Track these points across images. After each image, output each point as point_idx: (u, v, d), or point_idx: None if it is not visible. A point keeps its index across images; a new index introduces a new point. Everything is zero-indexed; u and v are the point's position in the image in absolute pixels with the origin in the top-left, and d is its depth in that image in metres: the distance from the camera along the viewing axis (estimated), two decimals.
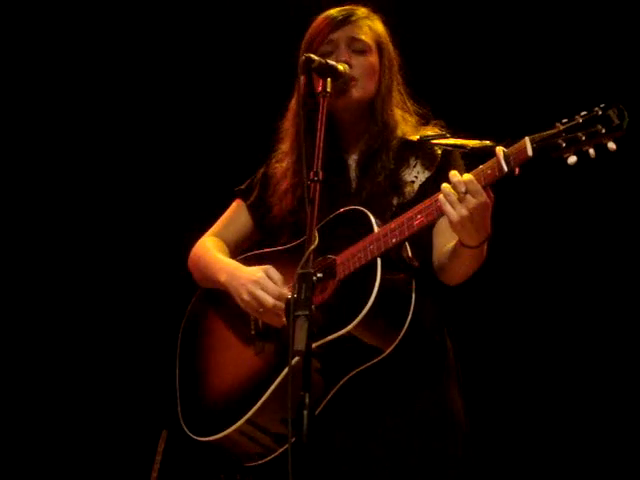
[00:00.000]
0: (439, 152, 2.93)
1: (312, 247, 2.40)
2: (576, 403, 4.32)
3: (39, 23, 4.66)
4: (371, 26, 2.97)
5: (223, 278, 2.94)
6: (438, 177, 2.85)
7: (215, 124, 4.73)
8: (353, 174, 2.97)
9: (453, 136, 2.90)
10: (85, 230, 4.81)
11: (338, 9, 2.98)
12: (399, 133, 2.95)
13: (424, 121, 3.01)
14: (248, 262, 2.97)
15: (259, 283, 2.81)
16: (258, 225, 3.13)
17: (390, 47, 3.00)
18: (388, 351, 2.66)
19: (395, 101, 2.98)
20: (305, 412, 2.22)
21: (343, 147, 3.00)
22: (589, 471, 4.27)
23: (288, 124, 3.05)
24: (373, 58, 2.94)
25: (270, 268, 2.86)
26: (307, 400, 2.24)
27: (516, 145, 2.48)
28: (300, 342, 2.25)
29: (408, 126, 2.98)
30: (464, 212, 2.52)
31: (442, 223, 2.75)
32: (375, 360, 2.67)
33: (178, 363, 3.09)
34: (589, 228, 4.29)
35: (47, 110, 4.74)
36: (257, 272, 2.85)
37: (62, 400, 4.72)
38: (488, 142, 2.70)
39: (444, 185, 2.56)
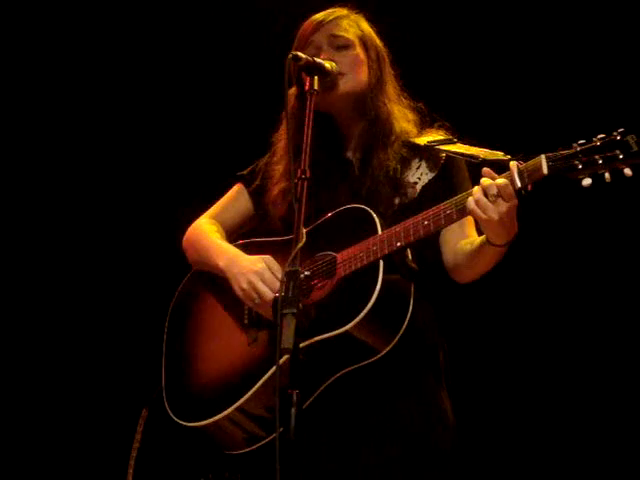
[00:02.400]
0: (443, 155, 2.93)
1: (300, 245, 2.41)
2: (569, 405, 4.35)
3: (33, 20, 4.66)
4: (351, 23, 2.99)
5: (222, 263, 2.92)
6: (441, 179, 2.89)
7: (210, 110, 4.72)
8: (356, 171, 2.97)
9: (460, 141, 2.91)
10: (78, 212, 4.81)
11: (322, 12, 3.01)
12: (398, 129, 2.95)
13: (427, 119, 3.01)
14: (248, 249, 2.96)
15: (260, 274, 2.80)
16: (259, 212, 3.12)
17: (376, 42, 3.02)
18: (383, 353, 2.67)
19: (389, 94, 2.98)
20: (293, 410, 2.24)
21: (345, 145, 3.01)
22: (582, 470, 4.30)
23: (284, 124, 3.03)
24: (357, 51, 2.95)
25: (270, 259, 2.85)
26: (295, 398, 2.25)
27: (531, 162, 2.48)
28: (288, 340, 2.26)
29: (410, 125, 2.99)
30: (495, 217, 2.52)
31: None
32: (369, 360, 2.68)
33: (165, 343, 3.08)
34: (584, 231, 4.31)
35: (40, 104, 4.74)
36: (258, 262, 2.83)
37: (43, 382, 4.73)
38: (500, 153, 2.70)
39: (475, 188, 2.55)
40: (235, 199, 3.17)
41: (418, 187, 2.90)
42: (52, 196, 4.81)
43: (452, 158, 2.90)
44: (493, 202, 2.51)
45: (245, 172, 3.18)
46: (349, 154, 3.01)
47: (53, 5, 4.62)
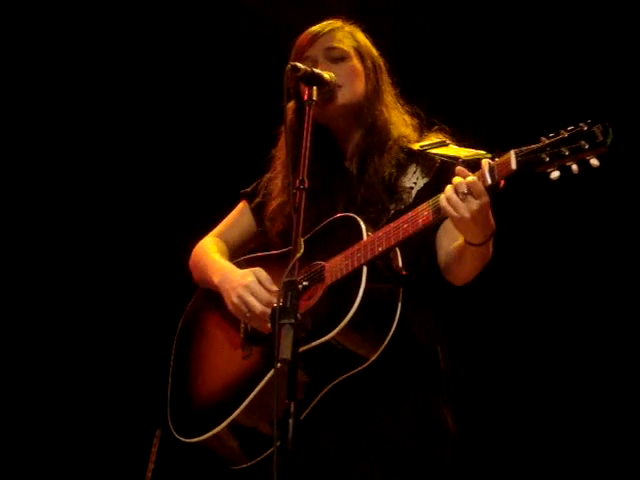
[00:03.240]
0: (438, 160, 2.91)
1: (298, 255, 2.39)
2: (568, 411, 4.31)
3: (31, 20, 4.65)
4: (346, 34, 2.99)
5: (217, 279, 2.93)
6: (435, 184, 2.84)
7: (217, 126, 4.73)
8: (354, 180, 2.96)
9: (457, 144, 2.88)
10: (88, 231, 4.81)
11: (318, 25, 3.01)
12: (395, 134, 2.95)
13: (425, 123, 3.00)
14: (251, 264, 2.95)
15: (249, 288, 2.79)
16: (260, 228, 3.12)
17: (372, 52, 3.02)
18: (371, 360, 2.64)
19: (387, 102, 2.98)
20: (290, 420, 2.21)
21: (344, 155, 3.01)
22: (580, 476, 4.28)
23: (282, 138, 3.04)
24: (353, 62, 2.95)
25: (259, 270, 2.85)
26: (292, 409, 2.22)
27: (502, 158, 2.47)
28: (286, 350, 2.24)
29: (409, 130, 2.99)
30: (466, 215, 2.50)
31: (447, 223, 2.76)
32: (359, 368, 2.66)
33: (172, 363, 3.08)
34: (578, 231, 4.29)
35: (44, 113, 4.74)
36: (248, 276, 2.83)
37: (57, 399, 4.71)
38: (482, 152, 2.69)
39: (447, 187, 2.53)
40: (239, 216, 3.18)
41: (413, 192, 2.89)
42: (60, 214, 4.81)
43: (446, 163, 2.86)
44: (463, 200, 2.49)
45: (249, 189, 3.18)
46: (347, 163, 3.01)
47: (51, 5, 4.61)
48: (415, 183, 2.91)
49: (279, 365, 2.25)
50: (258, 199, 3.12)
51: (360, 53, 2.98)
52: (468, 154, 2.74)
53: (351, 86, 2.91)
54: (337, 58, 2.93)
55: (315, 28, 2.99)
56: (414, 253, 2.79)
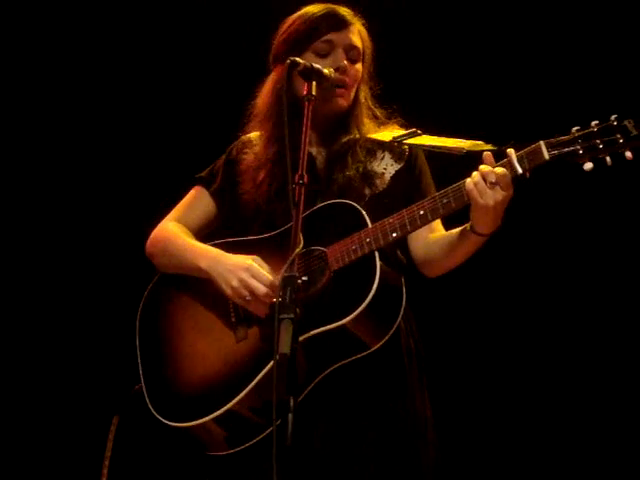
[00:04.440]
0: (406, 147, 2.98)
1: (298, 250, 2.40)
2: (549, 409, 4.37)
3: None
4: (360, 32, 2.99)
5: (204, 264, 2.90)
6: (408, 170, 2.95)
7: (166, 117, 4.67)
8: (321, 168, 2.98)
9: (424, 133, 2.96)
10: (44, 214, 4.74)
11: (321, 7, 2.97)
12: (365, 130, 3.00)
13: (386, 120, 3.04)
14: (229, 249, 2.93)
15: (250, 270, 2.79)
16: (222, 211, 3.12)
17: (371, 56, 3.03)
18: (374, 348, 2.69)
19: (366, 108, 3.02)
20: (290, 415, 2.23)
21: (310, 142, 2.95)
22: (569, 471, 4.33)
23: (262, 115, 3.03)
24: (360, 67, 2.98)
25: (257, 258, 2.83)
26: (292, 404, 2.24)
27: (530, 148, 2.55)
28: (285, 345, 2.25)
29: (372, 122, 3.03)
30: (490, 202, 2.58)
31: None
32: (358, 356, 2.70)
33: (139, 348, 3.04)
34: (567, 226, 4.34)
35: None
36: (247, 259, 2.83)
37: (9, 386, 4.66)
38: (480, 142, 2.76)
39: (474, 173, 2.60)
40: (196, 201, 3.16)
41: (387, 177, 2.94)
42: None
43: (416, 149, 2.97)
44: (491, 188, 2.57)
45: (203, 173, 3.17)
46: (313, 150, 3.01)
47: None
48: (385, 169, 2.96)
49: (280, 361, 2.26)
50: (218, 181, 3.11)
51: (364, 57, 3.00)
52: (469, 145, 2.79)
53: (352, 91, 2.96)
54: (352, 58, 2.94)
55: (330, 11, 2.95)
56: (393, 247, 2.85)
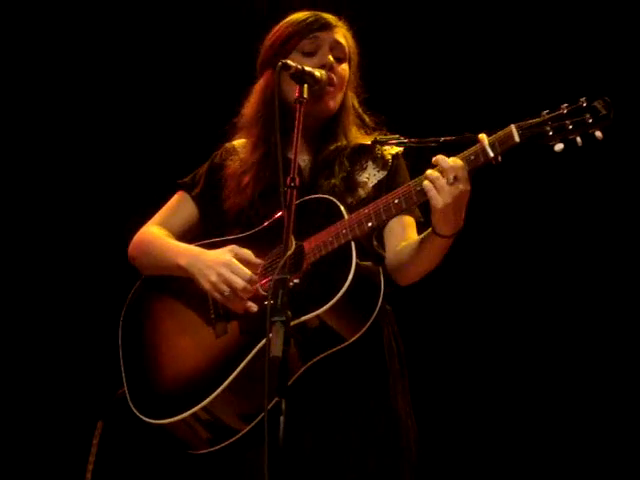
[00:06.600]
0: (389, 157, 3.00)
1: (289, 253, 2.41)
2: (533, 407, 4.40)
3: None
4: (346, 35, 3.01)
5: (184, 261, 2.90)
6: (391, 178, 2.95)
7: (150, 125, 4.69)
8: (304, 174, 2.99)
9: (403, 137, 2.97)
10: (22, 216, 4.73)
11: (306, 14, 2.99)
12: (352, 137, 3.01)
13: (371, 130, 3.05)
14: (210, 248, 2.92)
15: (229, 266, 2.79)
16: (205, 216, 3.12)
17: (357, 60, 3.04)
18: (351, 340, 2.68)
19: (353, 114, 3.03)
20: (282, 418, 2.24)
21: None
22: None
23: (251, 120, 3.04)
24: (346, 67, 2.99)
25: (236, 247, 2.83)
26: (284, 406, 2.25)
27: (501, 132, 2.55)
28: (277, 348, 2.26)
29: (361, 130, 3.04)
30: (449, 200, 2.56)
31: (393, 223, 2.86)
32: (336, 348, 2.69)
33: (122, 350, 3.03)
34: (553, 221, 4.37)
35: None
36: (225, 254, 2.82)
37: None
38: (454, 136, 2.76)
39: (429, 171, 2.59)
40: (179, 205, 3.17)
41: (369, 185, 2.95)
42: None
43: (397, 157, 2.98)
44: (450, 184, 2.56)
45: (187, 179, 3.18)
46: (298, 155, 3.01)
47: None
48: (368, 178, 2.97)
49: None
50: (201, 186, 3.11)
51: (350, 60, 3.01)
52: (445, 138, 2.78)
53: (339, 92, 2.95)
54: (338, 57, 2.95)
55: (316, 15, 2.98)
56: (369, 239, 2.84)
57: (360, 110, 3.07)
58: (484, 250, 4.32)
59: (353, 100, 3.04)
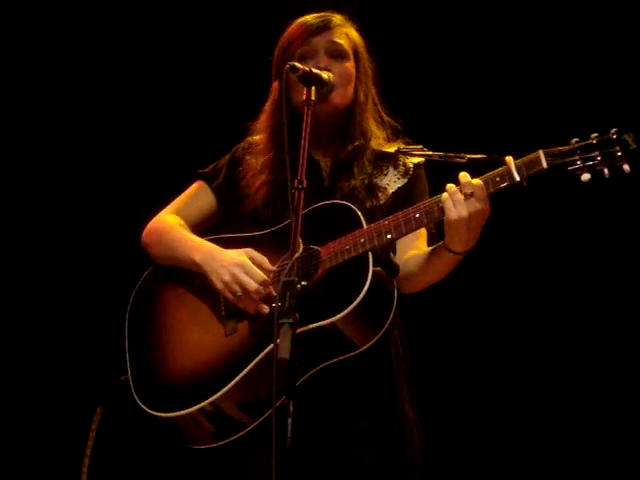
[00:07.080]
0: (410, 165, 3.02)
1: (297, 255, 2.44)
2: (537, 412, 4.39)
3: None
4: (348, 33, 3.02)
5: (198, 257, 2.92)
6: (410, 187, 2.98)
7: (171, 113, 4.66)
8: (325, 175, 3.02)
9: (426, 149, 2.99)
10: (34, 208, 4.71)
11: (314, 16, 3.02)
12: (373, 144, 3.02)
13: (394, 137, 3.06)
14: (224, 245, 2.94)
15: (243, 267, 2.81)
16: (223, 208, 3.13)
17: (366, 55, 3.05)
18: (363, 348, 2.70)
19: (371, 109, 3.03)
20: (289, 420, 2.26)
21: (315, 148, 3.01)
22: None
23: (264, 123, 3.07)
24: (350, 64, 2.99)
25: (251, 250, 2.86)
26: (292, 408, 2.28)
27: (529, 157, 2.56)
28: (284, 350, 2.28)
29: (380, 139, 3.05)
30: (464, 213, 2.59)
31: None
32: (347, 356, 2.71)
33: (127, 338, 3.05)
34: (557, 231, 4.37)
35: None
36: (240, 255, 2.85)
37: None
38: (482, 155, 2.76)
39: (449, 185, 2.61)
40: (197, 195, 3.18)
41: (389, 192, 2.97)
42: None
43: (418, 167, 3.00)
44: (466, 199, 2.58)
45: (207, 169, 3.18)
46: (319, 157, 3.04)
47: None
48: (388, 184, 2.99)
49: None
50: (221, 178, 3.13)
51: (357, 56, 3.02)
52: (471, 156, 2.80)
53: (344, 88, 2.96)
54: (337, 55, 2.96)
55: (315, 19, 3.00)
56: (387, 250, 2.82)
57: (379, 105, 3.07)
58: (491, 257, 4.30)
59: (369, 93, 3.04)
